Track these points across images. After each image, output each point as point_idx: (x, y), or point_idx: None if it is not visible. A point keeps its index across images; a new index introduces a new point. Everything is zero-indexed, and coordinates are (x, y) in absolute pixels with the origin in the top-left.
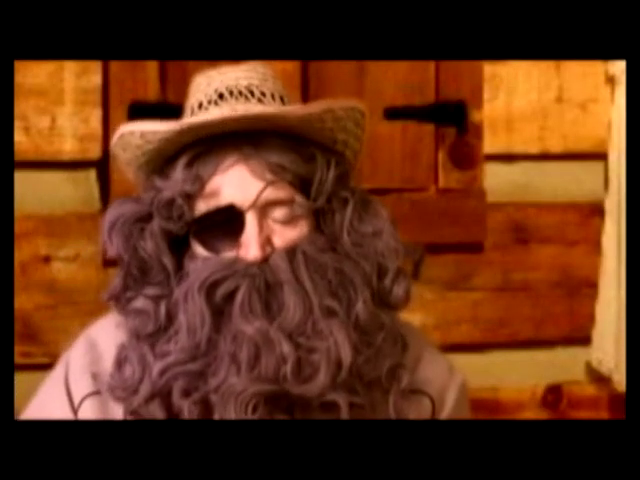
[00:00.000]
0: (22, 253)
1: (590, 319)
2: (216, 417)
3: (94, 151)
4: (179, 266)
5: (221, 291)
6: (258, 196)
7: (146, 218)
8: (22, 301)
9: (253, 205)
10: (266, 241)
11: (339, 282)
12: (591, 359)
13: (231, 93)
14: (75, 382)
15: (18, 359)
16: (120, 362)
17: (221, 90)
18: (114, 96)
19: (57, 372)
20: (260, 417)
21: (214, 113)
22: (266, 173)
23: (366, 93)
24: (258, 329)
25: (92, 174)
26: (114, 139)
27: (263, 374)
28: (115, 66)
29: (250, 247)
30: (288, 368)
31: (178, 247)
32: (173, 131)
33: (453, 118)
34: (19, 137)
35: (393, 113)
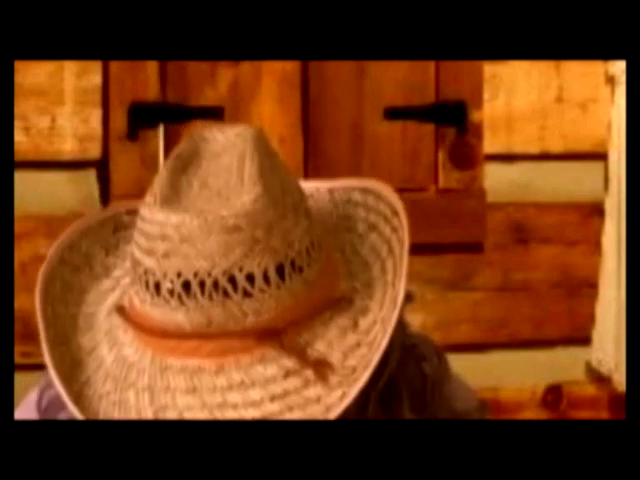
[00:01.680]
0: (22, 253)
1: (590, 319)
2: None
3: (94, 151)
4: None
5: None
6: None
7: None
8: (22, 301)
9: None
10: None
11: None
12: (591, 359)
13: (202, 287)
14: None
15: (18, 359)
16: None
17: (187, 277)
18: (114, 96)
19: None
20: None
21: (180, 320)
22: None
23: (366, 93)
24: None
25: (92, 174)
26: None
27: None
28: (115, 66)
29: None
30: None
31: None
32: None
33: (453, 118)
34: (19, 137)
35: (393, 113)
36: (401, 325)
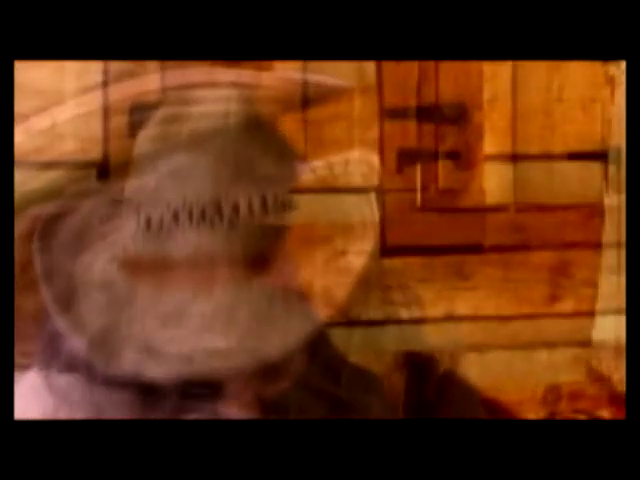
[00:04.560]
0: (22, 253)
1: (590, 319)
2: None
3: (94, 152)
4: None
5: None
6: None
7: None
8: (22, 301)
9: None
10: None
11: None
12: (591, 359)
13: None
14: None
15: (18, 359)
16: None
17: (176, 207)
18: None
19: None
20: None
21: None
22: None
23: (366, 93)
24: None
25: (92, 174)
26: None
27: None
28: (115, 66)
29: None
30: None
31: None
32: None
33: (453, 118)
34: (19, 137)
35: (393, 113)
36: None
